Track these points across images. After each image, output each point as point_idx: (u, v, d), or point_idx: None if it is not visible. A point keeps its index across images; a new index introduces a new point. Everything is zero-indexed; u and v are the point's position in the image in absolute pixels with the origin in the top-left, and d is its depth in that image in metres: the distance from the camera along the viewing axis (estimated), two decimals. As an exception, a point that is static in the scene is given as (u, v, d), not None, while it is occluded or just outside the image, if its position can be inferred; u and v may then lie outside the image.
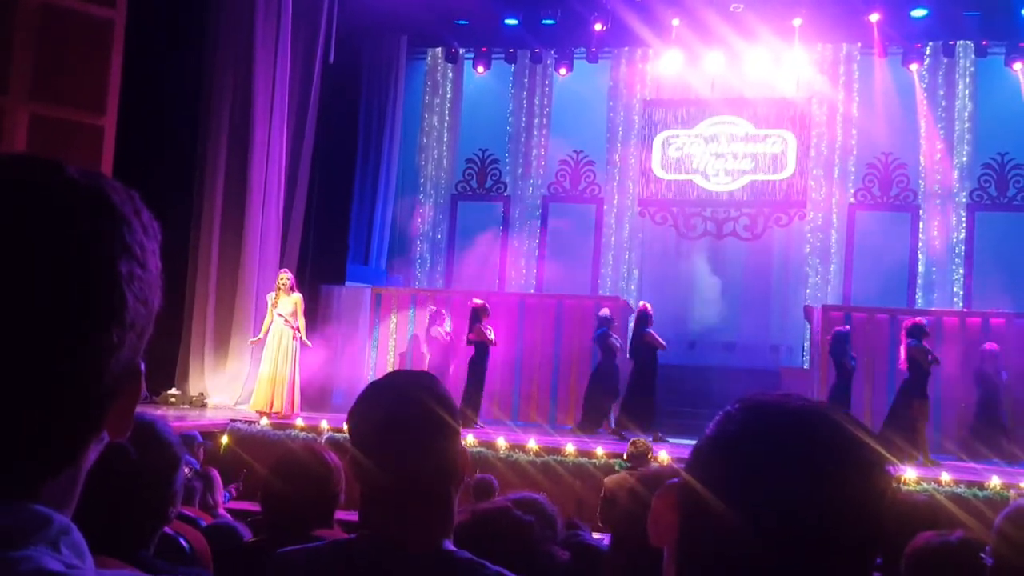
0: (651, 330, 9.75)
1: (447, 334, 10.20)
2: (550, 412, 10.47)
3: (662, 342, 9.77)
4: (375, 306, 11.26)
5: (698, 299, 10.65)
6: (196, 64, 10.16)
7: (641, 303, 10.28)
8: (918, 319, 8.86)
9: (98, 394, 0.65)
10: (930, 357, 8.47)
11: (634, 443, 6.52)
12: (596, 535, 3.71)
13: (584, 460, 7.56)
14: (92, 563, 0.63)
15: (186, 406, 9.68)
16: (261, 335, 9.20)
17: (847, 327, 9.32)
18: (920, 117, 12.42)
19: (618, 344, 9.93)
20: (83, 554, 0.63)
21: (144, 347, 0.68)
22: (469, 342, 9.66)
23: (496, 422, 9.76)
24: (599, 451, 7.63)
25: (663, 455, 7.15)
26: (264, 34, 10.22)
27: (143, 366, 0.69)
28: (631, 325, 10.18)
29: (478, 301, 9.78)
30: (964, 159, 12.36)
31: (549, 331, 10.65)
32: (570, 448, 7.70)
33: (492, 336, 9.66)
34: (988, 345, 9.00)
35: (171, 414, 8.72)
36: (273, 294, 9.18)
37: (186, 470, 2.17)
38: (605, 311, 10.15)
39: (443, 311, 10.31)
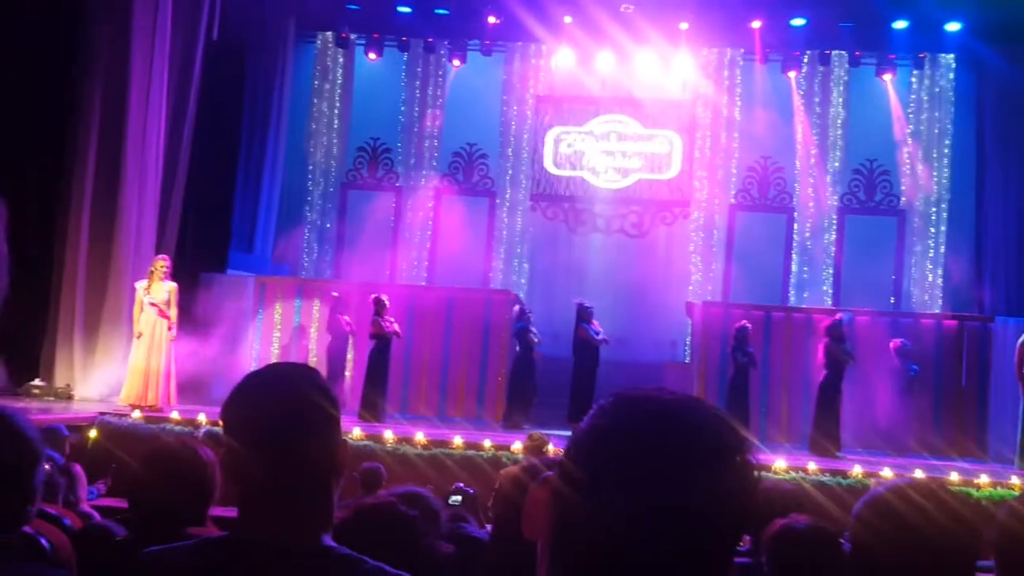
0: (586, 326, 9.91)
1: (349, 323, 10.03)
2: (439, 405, 10.44)
3: (597, 339, 9.93)
4: (259, 295, 10.93)
5: (585, 293, 10.87)
6: (69, 35, 9.56)
7: (576, 300, 10.34)
8: (837, 317, 9.27)
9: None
10: (846, 355, 8.95)
11: (531, 436, 6.58)
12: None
13: (472, 452, 7.57)
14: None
15: (51, 398, 9.14)
16: (139, 330, 8.70)
17: (746, 323, 9.62)
18: (797, 123, 13.03)
19: (536, 339, 10.11)
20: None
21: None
22: (372, 336, 9.52)
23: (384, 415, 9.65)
24: (487, 444, 7.67)
25: (551, 448, 7.24)
26: (142, 3, 9.71)
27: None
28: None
29: (377, 295, 9.66)
30: (836, 164, 13.05)
31: (440, 323, 10.60)
32: (458, 441, 7.70)
33: (397, 327, 9.56)
34: (893, 342, 9.51)
35: (34, 406, 8.24)
36: (144, 282, 8.74)
37: (47, 466, 2.05)
38: (519, 306, 10.31)
39: (343, 300, 10.12)
